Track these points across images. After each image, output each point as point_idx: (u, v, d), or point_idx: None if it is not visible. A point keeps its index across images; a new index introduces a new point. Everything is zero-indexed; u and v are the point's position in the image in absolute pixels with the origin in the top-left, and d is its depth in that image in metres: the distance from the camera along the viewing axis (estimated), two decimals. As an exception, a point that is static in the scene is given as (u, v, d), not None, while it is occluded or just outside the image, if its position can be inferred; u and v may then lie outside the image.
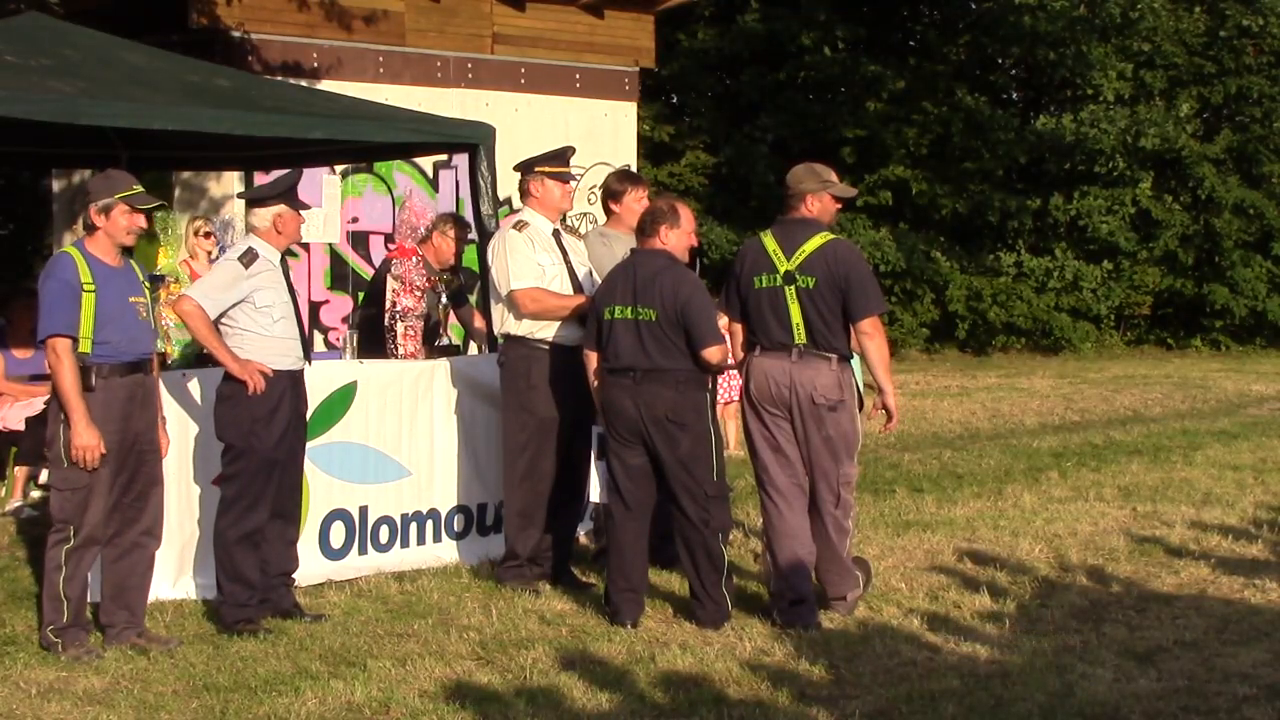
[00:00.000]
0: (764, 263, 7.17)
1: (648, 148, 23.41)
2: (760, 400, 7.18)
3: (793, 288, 7.08)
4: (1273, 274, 27.69)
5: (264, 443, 7.01)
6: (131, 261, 6.80)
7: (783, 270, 7.11)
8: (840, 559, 7.23)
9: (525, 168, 8.06)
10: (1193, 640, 6.72)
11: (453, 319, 10.30)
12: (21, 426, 10.08)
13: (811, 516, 7.19)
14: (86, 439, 6.44)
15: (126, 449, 6.64)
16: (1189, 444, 13.54)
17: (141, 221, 6.70)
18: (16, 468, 10.08)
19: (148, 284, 6.82)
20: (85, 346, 6.49)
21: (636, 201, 8.09)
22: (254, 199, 7.39)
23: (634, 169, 16.70)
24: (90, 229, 6.62)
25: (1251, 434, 14.26)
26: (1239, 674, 6.17)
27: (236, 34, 15.18)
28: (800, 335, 7.08)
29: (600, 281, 7.55)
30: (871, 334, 7.10)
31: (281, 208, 7.17)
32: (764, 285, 7.14)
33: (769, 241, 7.21)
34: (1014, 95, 29.60)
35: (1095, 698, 5.85)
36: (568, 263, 7.93)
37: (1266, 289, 27.49)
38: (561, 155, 8.12)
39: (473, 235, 9.47)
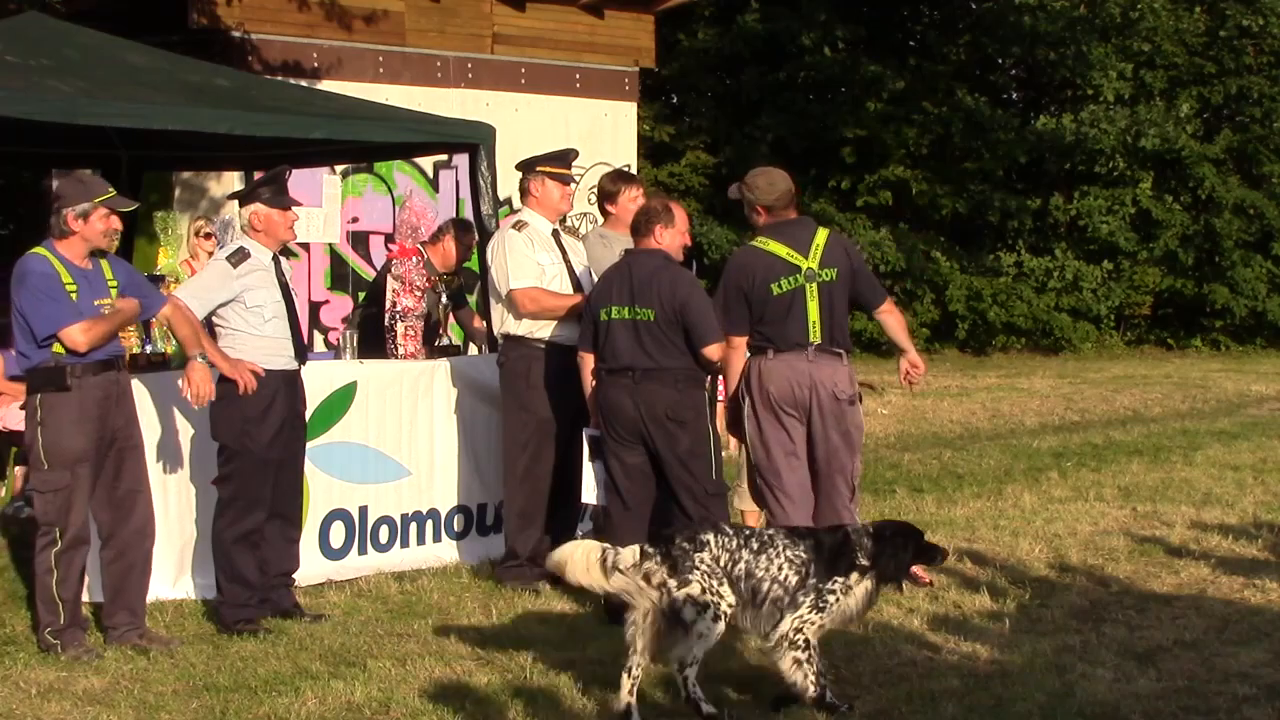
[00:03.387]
0: (780, 267, 7.09)
1: (648, 148, 23.41)
2: (780, 402, 7.09)
3: (814, 284, 7.08)
4: (1273, 274, 27.69)
5: (257, 442, 7.01)
6: (102, 262, 6.71)
7: (805, 268, 7.09)
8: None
9: (526, 166, 8.06)
10: (1193, 640, 6.71)
11: (453, 319, 10.29)
12: (21, 426, 10.05)
13: (823, 514, 7.16)
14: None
15: (106, 446, 6.63)
16: (1189, 444, 13.53)
17: (117, 224, 6.66)
18: (17, 467, 10.07)
19: (114, 283, 6.70)
20: (59, 347, 6.46)
21: (631, 201, 8.08)
22: (237, 197, 7.38)
23: (634, 169, 16.71)
24: (64, 233, 6.54)
25: (1251, 434, 14.25)
26: (1239, 674, 6.17)
27: (236, 34, 15.19)
28: (815, 333, 7.08)
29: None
30: (891, 309, 7.53)
31: (257, 205, 7.15)
32: (786, 289, 7.08)
33: (777, 247, 7.13)
34: (1014, 95, 29.61)
35: (1095, 698, 5.85)
36: (567, 263, 7.93)
37: (1266, 289, 27.48)
38: (564, 157, 8.13)
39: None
